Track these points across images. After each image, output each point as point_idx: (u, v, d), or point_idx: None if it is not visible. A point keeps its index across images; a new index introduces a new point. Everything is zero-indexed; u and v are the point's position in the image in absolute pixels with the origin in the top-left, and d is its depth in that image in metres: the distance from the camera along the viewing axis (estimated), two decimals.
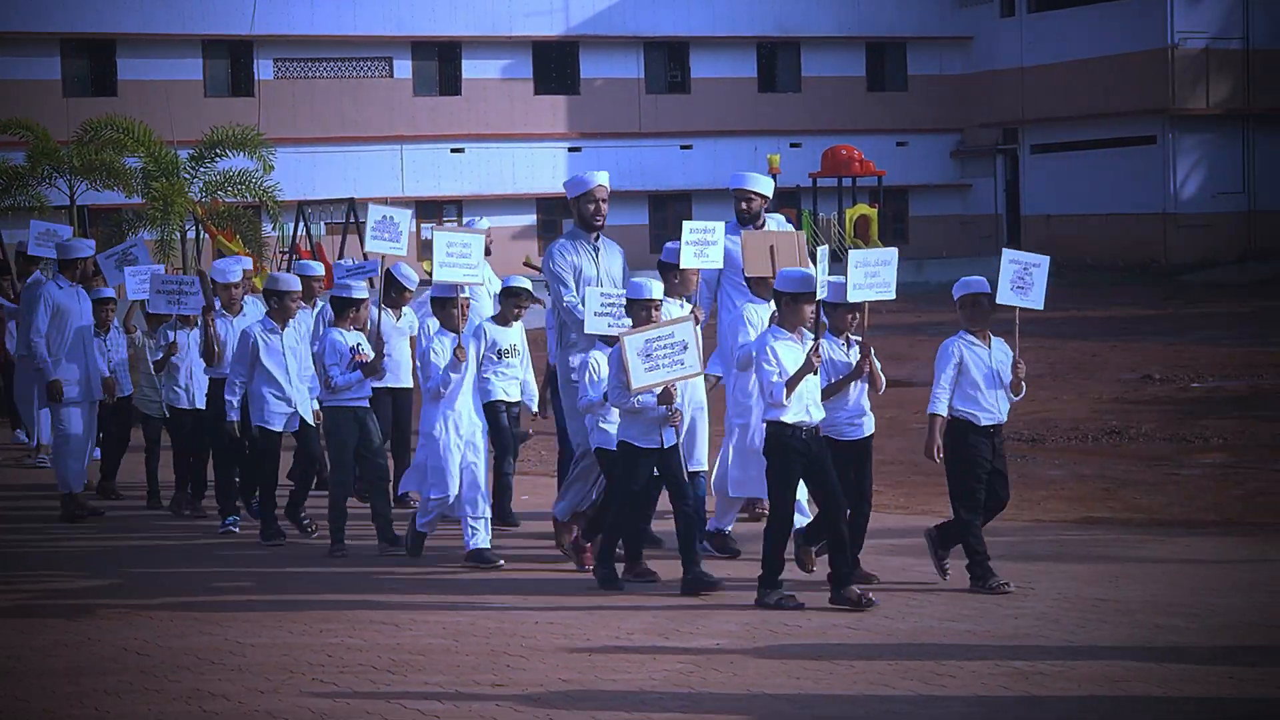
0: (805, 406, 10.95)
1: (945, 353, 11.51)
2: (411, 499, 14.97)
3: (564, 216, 55.14)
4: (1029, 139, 57.46)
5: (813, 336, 11.09)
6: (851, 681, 9.19)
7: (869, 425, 11.64)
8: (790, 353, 10.98)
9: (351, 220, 43.19)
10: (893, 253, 11.83)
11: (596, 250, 12.62)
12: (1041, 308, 11.58)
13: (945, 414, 11.43)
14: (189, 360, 15.21)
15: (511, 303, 14.14)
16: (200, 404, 15.17)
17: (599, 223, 12.62)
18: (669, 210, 56.14)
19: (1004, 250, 11.96)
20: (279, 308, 14.05)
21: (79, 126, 37.39)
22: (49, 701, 9.24)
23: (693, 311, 12.22)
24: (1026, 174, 57.58)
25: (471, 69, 54.82)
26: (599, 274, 12.52)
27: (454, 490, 12.68)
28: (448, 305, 12.90)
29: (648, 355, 11.08)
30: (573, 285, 12.47)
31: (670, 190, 56.59)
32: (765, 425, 11.17)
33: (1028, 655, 9.59)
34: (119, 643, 10.73)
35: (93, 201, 38.70)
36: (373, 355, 13.34)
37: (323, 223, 45.36)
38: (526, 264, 35.33)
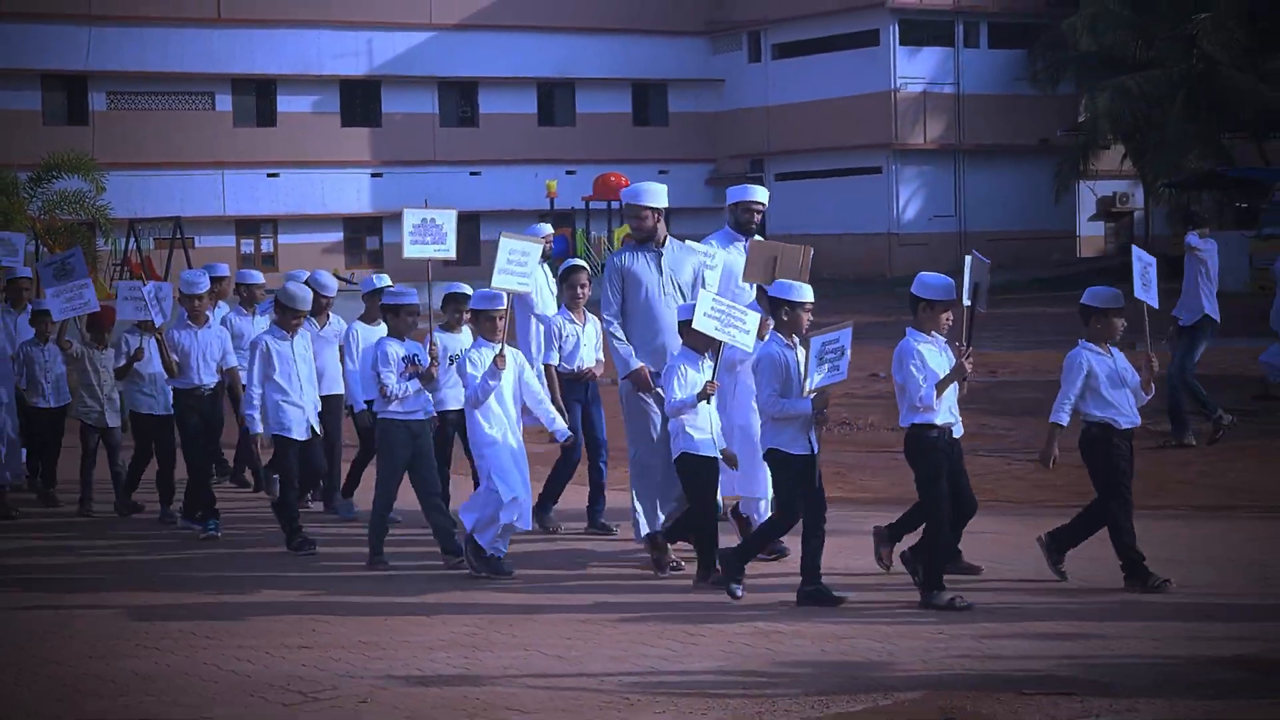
0: (947, 409, 10.03)
1: (1074, 364, 10.26)
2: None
3: (369, 234, 54.88)
4: (773, 168, 57.92)
5: (955, 341, 10.19)
6: None
7: (960, 425, 10.37)
8: (933, 357, 10.09)
9: (178, 236, 42.65)
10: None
11: (659, 256, 11.47)
12: (1156, 305, 10.58)
13: (1065, 424, 10.31)
14: (154, 367, 13.38)
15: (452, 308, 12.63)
16: (171, 410, 13.43)
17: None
18: (460, 230, 55.17)
19: (1133, 248, 10.97)
20: (287, 318, 12.31)
21: None
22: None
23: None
24: (772, 199, 57.93)
25: (286, 103, 54.25)
26: (661, 280, 11.43)
27: (518, 493, 10.92)
28: (487, 315, 11.22)
29: (820, 358, 9.95)
30: (615, 305, 11.46)
31: (461, 211, 56.06)
32: (909, 428, 10.10)
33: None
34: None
35: None
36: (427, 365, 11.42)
37: (151, 239, 44.64)
38: (335, 274, 35.07)
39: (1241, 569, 10.68)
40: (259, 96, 54.15)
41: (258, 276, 15.05)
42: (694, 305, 10.50)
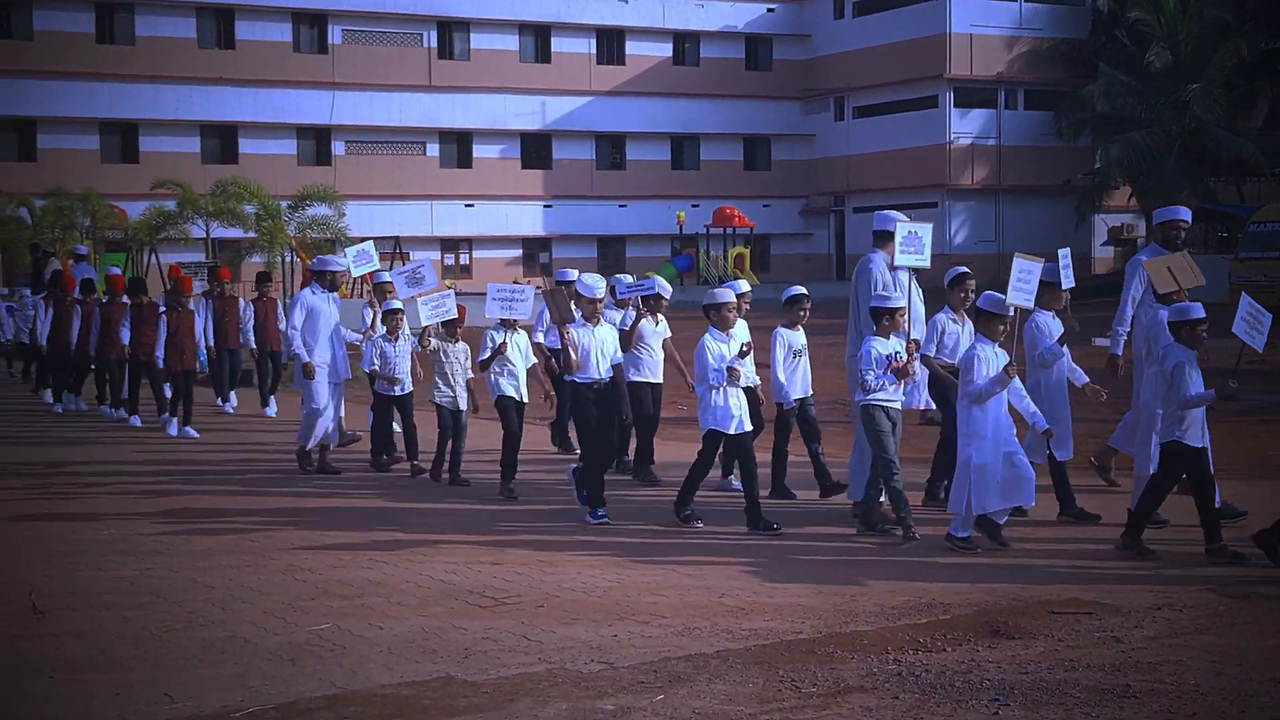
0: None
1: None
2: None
3: (541, 251, 55.16)
4: (852, 203, 57.50)
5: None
6: None
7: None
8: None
9: (397, 251, 43.14)
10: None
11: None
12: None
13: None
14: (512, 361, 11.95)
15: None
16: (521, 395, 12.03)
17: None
18: (610, 248, 56.25)
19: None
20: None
21: (212, 184, 37.06)
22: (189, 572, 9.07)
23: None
24: (850, 227, 57.65)
25: (479, 150, 54.59)
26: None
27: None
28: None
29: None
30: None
31: (611, 235, 56.52)
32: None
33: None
34: (285, 563, 10.41)
35: (221, 235, 38.37)
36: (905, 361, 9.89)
37: (342, 252, 44.96)
38: (514, 282, 35.38)
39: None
40: (459, 145, 54.52)
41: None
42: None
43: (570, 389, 11.10)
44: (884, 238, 10.53)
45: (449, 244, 54.08)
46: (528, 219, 55.34)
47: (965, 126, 53.48)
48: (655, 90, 56.43)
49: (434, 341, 12.78)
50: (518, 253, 55.21)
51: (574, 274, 13.14)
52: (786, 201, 59.01)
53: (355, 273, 14.47)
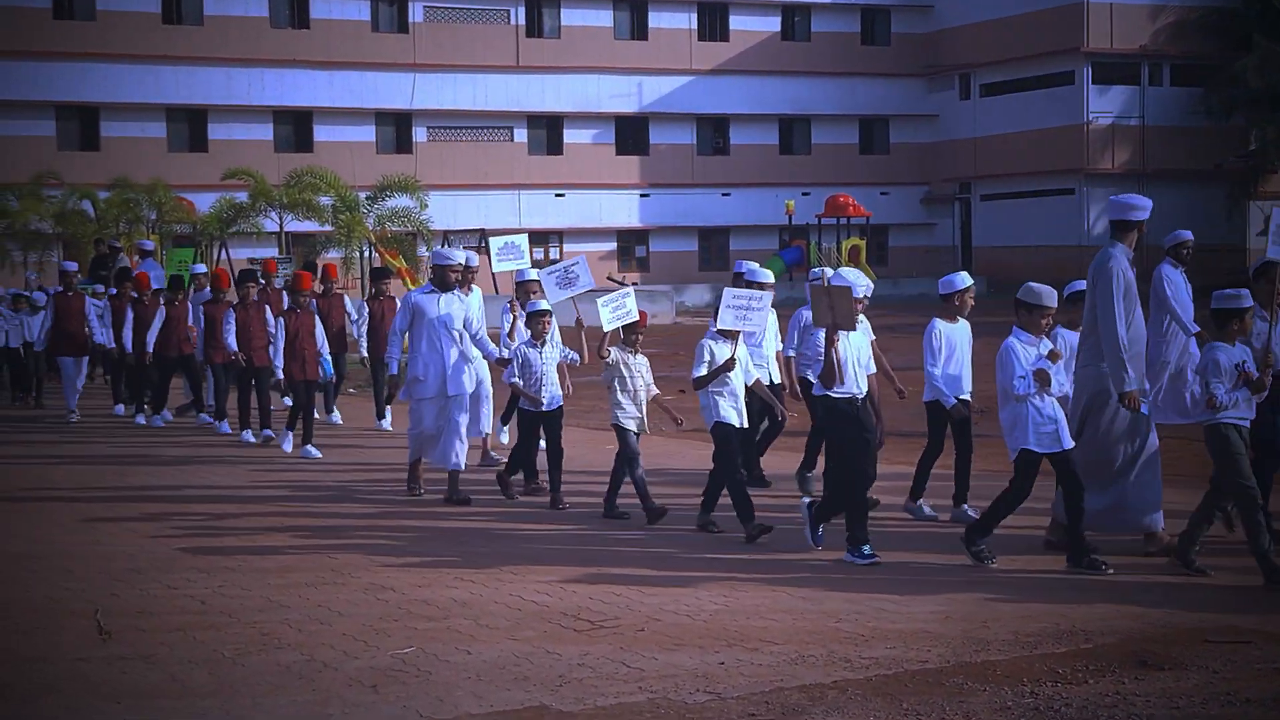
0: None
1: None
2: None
3: (637, 244, 55.25)
4: (979, 190, 57.03)
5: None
6: None
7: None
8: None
9: (482, 245, 43.48)
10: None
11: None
12: None
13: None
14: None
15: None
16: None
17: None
18: (712, 241, 56.25)
19: None
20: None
21: (286, 174, 37.57)
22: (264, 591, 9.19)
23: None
24: (976, 216, 57.18)
25: (571, 136, 54.81)
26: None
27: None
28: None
29: None
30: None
31: (713, 226, 56.48)
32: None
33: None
34: (370, 582, 10.54)
35: (295, 229, 38.87)
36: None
37: (460, 246, 45.43)
38: (609, 278, 35.43)
39: None
40: (549, 130, 54.78)
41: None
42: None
43: (823, 405, 10.22)
44: (1124, 228, 10.09)
45: (538, 237, 54.40)
46: (623, 209, 55.47)
47: (1104, 105, 52.74)
48: (762, 68, 56.30)
49: (614, 352, 11.60)
50: (612, 246, 55.34)
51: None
52: (906, 189, 58.59)
53: (497, 269, 13.85)
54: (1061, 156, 52.68)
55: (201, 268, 21.88)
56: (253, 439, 17.07)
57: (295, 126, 51.08)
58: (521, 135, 54.26)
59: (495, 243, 13.70)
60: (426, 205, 35.86)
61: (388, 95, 51.43)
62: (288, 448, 16.15)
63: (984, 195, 56.62)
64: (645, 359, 11.79)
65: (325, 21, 50.69)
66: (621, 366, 11.55)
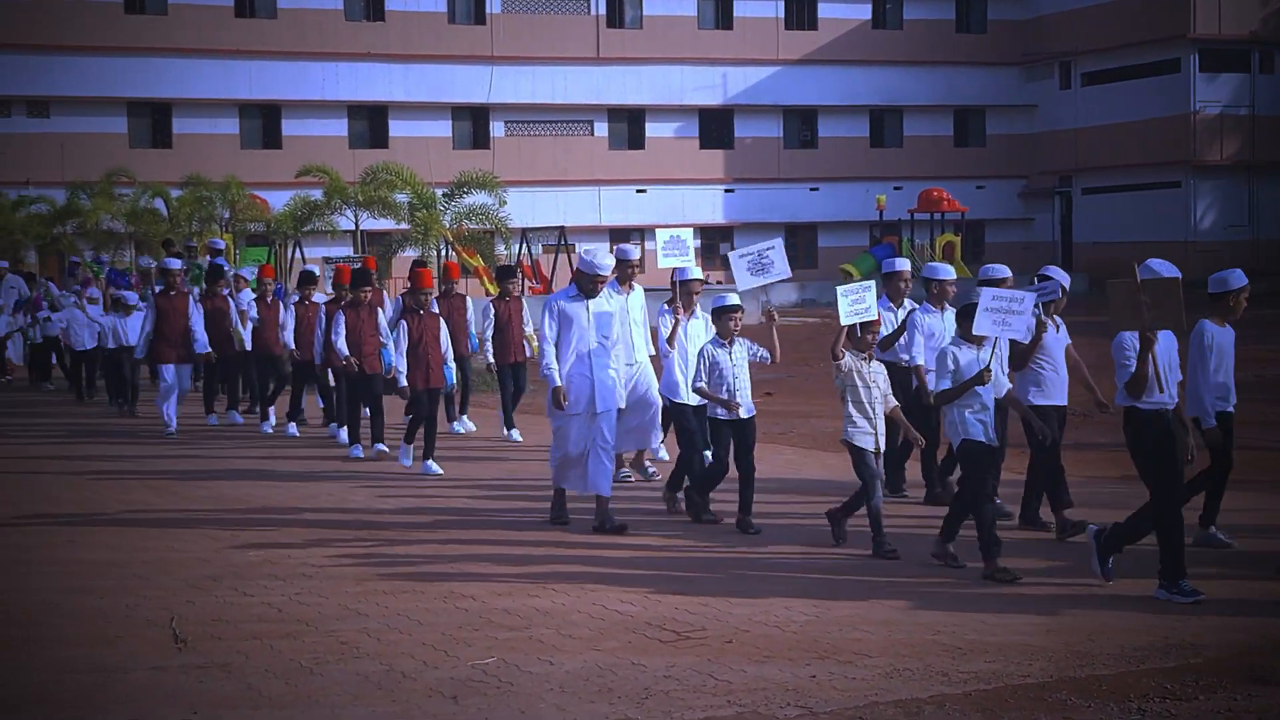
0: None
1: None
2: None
3: (722, 241, 55.21)
4: (1080, 183, 56.50)
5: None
6: None
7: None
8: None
9: (561, 243, 43.67)
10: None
11: None
12: None
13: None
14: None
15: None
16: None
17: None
18: (799, 238, 56.09)
19: None
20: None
21: (361, 171, 37.89)
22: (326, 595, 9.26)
23: None
24: (1078, 211, 56.62)
25: (653, 130, 54.87)
26: None
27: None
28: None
29: None
30: None
31: (801, 222, 56.35)
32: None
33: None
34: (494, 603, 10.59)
35: (370, 227, 39.21)
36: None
37: (540, 245, 45.71)
38: None
39: None
40: (630, 124, 54.87)
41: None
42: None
43: (1130, 420, 9.30)
44: None
45: (619, 234, 54.51)
46: (707, 205, 55.45)
47: (1213, 94, 52.05)
48: (852, 58, 56.06)
49: (847, 357, 10.57)
50: (696, 243, 55.29)
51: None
52: (1003, 182, 58.12)
53: (662, 264, 12.94)
54: (1167, 148, 52.06)
55: (251, 271, 21.93)
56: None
57: (370, 122, 51.51)
58: (602, 129, 54.39)
59: (660, 235, 13.02)
60: (505, 202, 36.01)
61: (465, 89, 51.74)
62: (407, 462, 15.24)
63: (1085, 189, 56.09)
64: (881, 366, 10.80)
65: (401, 14, 51.06)
66: (855, 374, 10.53)
